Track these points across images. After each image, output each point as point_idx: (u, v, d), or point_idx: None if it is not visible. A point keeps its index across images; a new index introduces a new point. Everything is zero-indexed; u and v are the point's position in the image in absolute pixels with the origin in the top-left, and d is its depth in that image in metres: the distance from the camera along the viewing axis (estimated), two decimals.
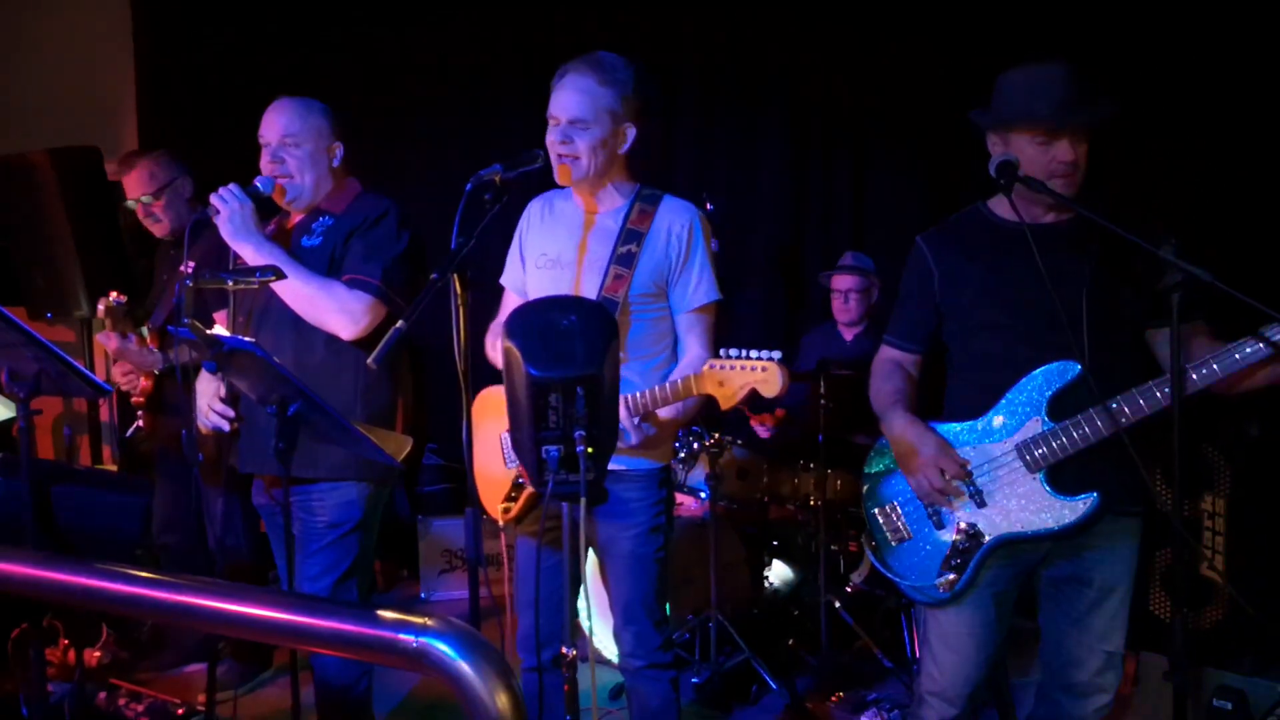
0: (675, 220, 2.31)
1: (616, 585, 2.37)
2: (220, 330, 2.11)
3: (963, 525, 2.16)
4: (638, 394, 2.19)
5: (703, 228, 2.33)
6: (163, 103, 4.86)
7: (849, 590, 3.77)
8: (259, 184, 2.50)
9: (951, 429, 2.20)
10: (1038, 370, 2.10)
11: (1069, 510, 2.07)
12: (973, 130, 2.20)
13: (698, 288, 2.31)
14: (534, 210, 2.49)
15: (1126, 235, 1.95)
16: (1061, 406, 2.08)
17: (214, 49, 4.77)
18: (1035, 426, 2.10)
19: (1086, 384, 2.04)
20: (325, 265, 2.48)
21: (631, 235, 2.30)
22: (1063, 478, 2.09)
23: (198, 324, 2.06)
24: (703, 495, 3.75)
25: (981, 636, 2.20)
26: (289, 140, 2.51)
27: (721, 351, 2.11)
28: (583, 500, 1.66)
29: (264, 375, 2.08)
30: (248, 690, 3.52)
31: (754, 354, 2.07)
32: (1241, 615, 2.70)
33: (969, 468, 2.14)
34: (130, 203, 3.42)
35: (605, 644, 3.40)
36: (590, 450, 1.64)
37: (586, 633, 3.13)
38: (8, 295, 4.31)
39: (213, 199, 2.43)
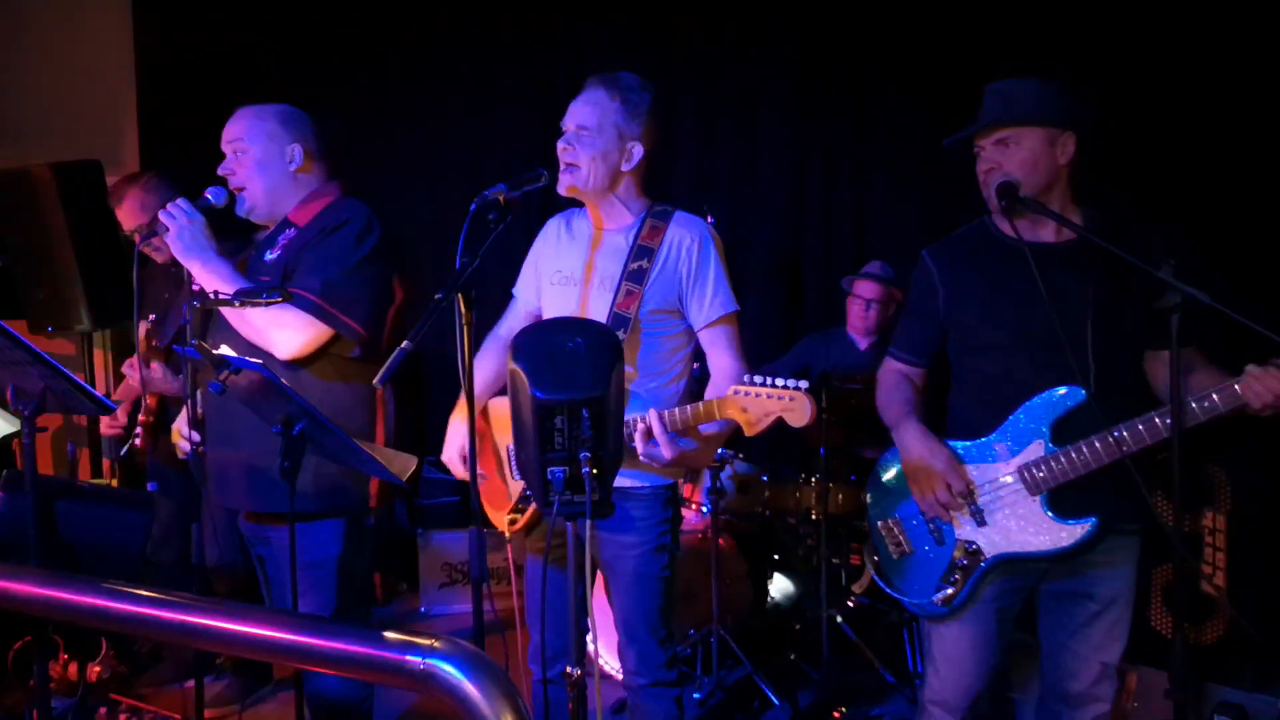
0: (686, 235, 2.30)
1: (620, 603, 2.38)
2: (227, 350, 2.11)
3: (963, 542, 2.20)
4: (672, 411, 2.17)
5: (714, 241, 2.33)
6: (164, 116, 4.87)
7: (850, 604, 3.78)
8: (210, 196, 2.38)
9: (955, 447, 2.23)
10: (1043, 393, 2.11)
11: (1066, 534, 2.10)
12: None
13: (714, 300, 2.30)
14: (552, 227, 2.50)
15: (1126, 256, 1.97)
16: (1065, 430, 2.10)
17: (215, 63, 4.78)
18: (1038, 450, 2.12)
19: (1091, 409, 2.05)
20: (279, 280, 2.35)
21: (643, 251, 2.29)
22: (1063, 501, 2.11)
23: (204, 344, 2.07)
24: (704, 509, 3.75)
25: (982, 650, 2.24)
26: (237, 146, 2.41)
27: (747, 377, 2.08)
28: (588, 522, 1.66)
29: (269, 395, 2.09)
30: (249, 706, 3.52)
31: (780, 382, 2.03)
32: (1243, 631, 2.71)
33: (973, 487, 2.18)
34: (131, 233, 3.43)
35: (610, 660, 3.40)
36: (595, 471, 1.65)
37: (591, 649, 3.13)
38: (8, 308, 4.31)
39: (160, 215, 2.34)
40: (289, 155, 2.43)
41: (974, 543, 2.18)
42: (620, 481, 2.23)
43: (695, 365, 2.45)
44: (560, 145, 2.32)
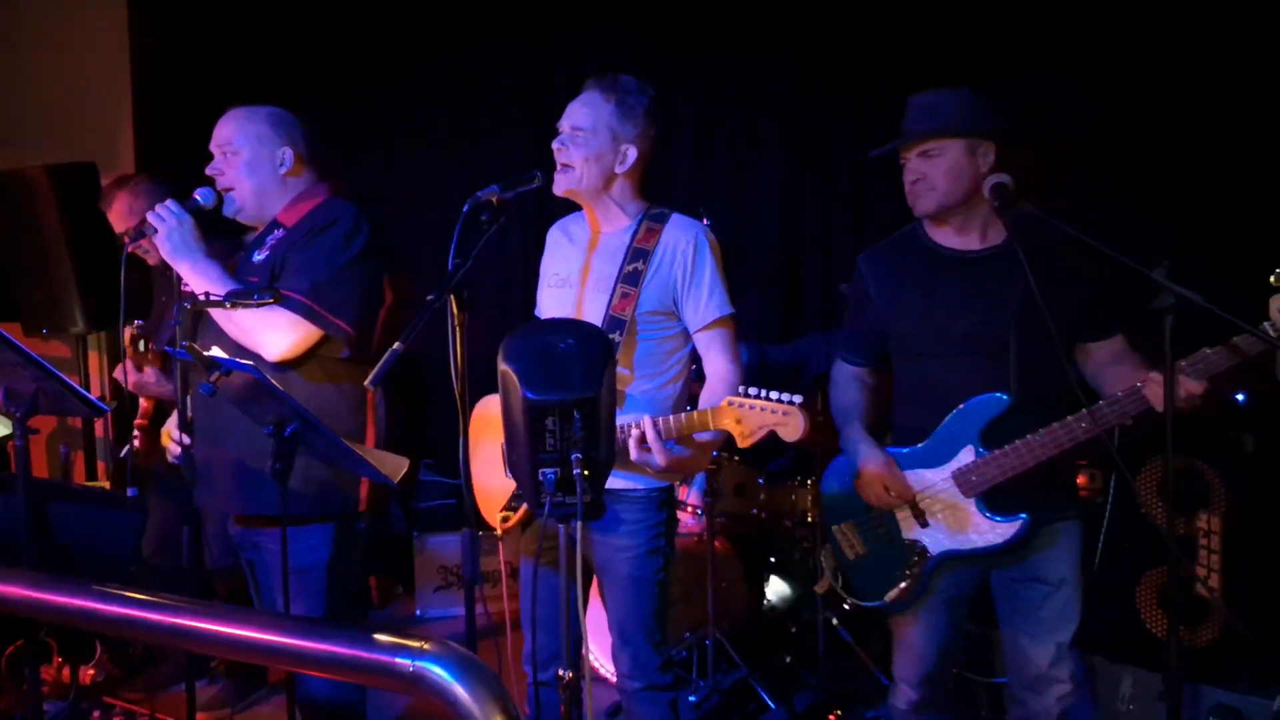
0: (681, 237, 2.31)
1: (614, 606, 2.37)
2: (218, 352, 2.10)
3: (910, 542, 2.34)
4: (666, 419, 2.18)
5: (709, 244, 2.33)
6: (159, 118, 4.86)
7: (846, 607, 3.76)
8: (199, 197, 2.38)
9: (896, 453, 2.35)
10: (971, 401, 2.23)
11: (1001, 530, 2.23)
12: None
13: (708, 303, 2.30)
14: (551, 237, 2.52)
15: (1118, 257, 1.99)
16: (994, 435, 2.21)
17: (212, 64, 4.78)
18: (969, 455, 2.24)
19: (1016, 414, 2.18)
20: (267, 281, 2.35)
21: (638, 254, 2.30)
22: (996, 500, 2.24)
23: (195, 346, 2.06)
24: (699, 512, 3.74)
25: (936, 635, 2.39)
26: (227, 148, 2.41)
27: (742, 389, 2.09)
28: (579, 523, 1.66)
29: (261, 397, 2.08)
30: (243, 708, 3.51)
31: (774, 395, 2.05)
32: (1238, 633, 2.71)
33: (912, 490, 2.31)
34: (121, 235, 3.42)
35: (605, 663, 3.39)
36: (587, 473, 1.64)
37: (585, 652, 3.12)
38: (3, 310, 4.31)
39: (149, 217, 2.34)
40: (279, 158, 2.43)
41: (919, 542, 2.32)
42: (612, 483, 2.22)
43: (693, 366, 2.45)
44: (555, 145, 2.33)
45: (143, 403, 3.31)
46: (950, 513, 2.27)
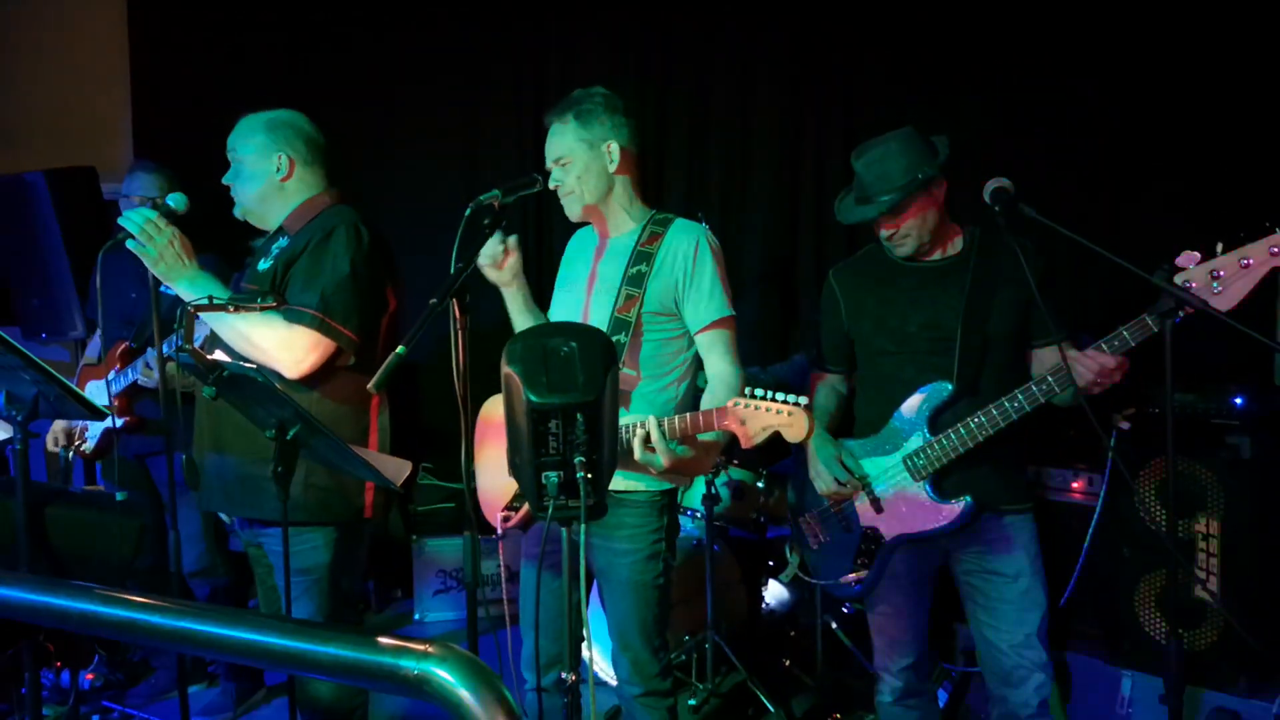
0: (683, 240, 2.35)
1: (613, 611, 2.38)
2: (220, 356, 2.10)
3: (866, 528, 2.46)
4: (671, 419, 2.21)
5: (710, 246, 2.36)
6: (158, 123, 4.87)
7: (845, 610, 3.77)
8: (170, 202, 2.33)
9: (854, 444, 2.49)
10: (919, 390, 2.38)
11: (946, 512, 2.35)
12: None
13: (709, 304, 2.33)
14: (569, 247, 2.59)
15: (1123, 263, 2.01)
16: (940, 422, 2.35)
17: (210, 70, 4.78)
18: (917, 440, 2.38)
19: (960, 401, 2.33)
20: (269, 289, 2.36)
21: (642, 257, 2.34)
22: (945, 484, 2.38)
23: (198, 349, 2.06)
24: (698, 515, 3.75)
25: (906, 617, 2.49)
26: (232, 155, 2.48)
27: (747, 390, 2.12)
28: (583, 526, 1.66)
29: (263, 399, 2.08)
30: (243, 712, 3.50)
31: (780, 396, 2.10)
32: (1237, 636, 2.71)
33: (867, 477, 2.43)
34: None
35: (605, 665, 3.39)
36: (589, 476, 1.65)
37: (587, 656, 3.12)
38: (2, 314, 4.31)
39: (131, 248, 2.27)
40: (276, 164, 2.46)
41: (874, 527, 2.45)
42: (614, 485, 2.23)
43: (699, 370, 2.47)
44: (552, 185, 2.39)
45: (117, 401, 3.30)
46: (901, 498, 2.39)
